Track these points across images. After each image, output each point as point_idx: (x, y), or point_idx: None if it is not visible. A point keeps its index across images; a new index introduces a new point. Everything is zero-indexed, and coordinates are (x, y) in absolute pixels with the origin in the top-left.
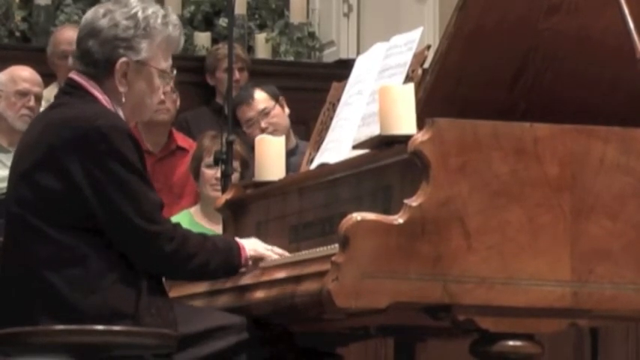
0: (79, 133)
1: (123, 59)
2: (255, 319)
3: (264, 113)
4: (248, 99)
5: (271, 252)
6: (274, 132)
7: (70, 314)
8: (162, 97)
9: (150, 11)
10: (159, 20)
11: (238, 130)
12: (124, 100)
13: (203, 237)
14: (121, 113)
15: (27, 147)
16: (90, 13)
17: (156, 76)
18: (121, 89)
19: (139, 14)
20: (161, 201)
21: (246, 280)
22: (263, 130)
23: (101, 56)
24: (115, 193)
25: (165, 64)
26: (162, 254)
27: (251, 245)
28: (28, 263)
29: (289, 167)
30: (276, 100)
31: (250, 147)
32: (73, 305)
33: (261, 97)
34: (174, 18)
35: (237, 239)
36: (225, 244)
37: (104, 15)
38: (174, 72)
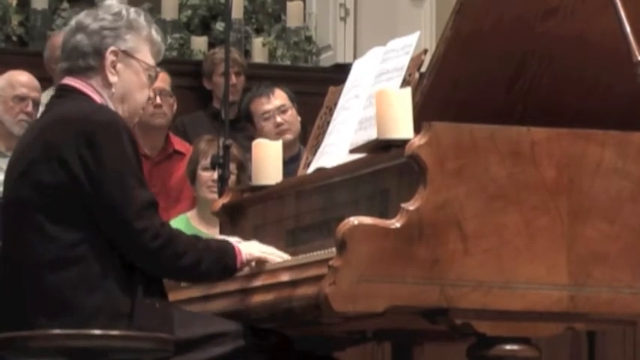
0: (75, 127)
1: (111, 47)
2: (252, 325)
3: (282, 110)
4: (268, 93)
5: (268, 254)
6: (287, 130)
7: (68, 314)
8: (159, 101)
9: (132, 9)
10: (142, 17)
11: (234, 135)
12: (114, 90)
13: (195, 237)
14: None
15: (23, 149)
16: (74, 19)
17: (143, 71)
18: (112, 79)
19: (123, 11)
20: (153, 199)
21: (242, 284)
22: (278, 125)
23: (90, 48)
24: (108, 186)
25: (151, 60)
26: (146, 250)
27: (247, 249)
28: (28, 263)
29: (293, 173)
30: (293, 103)
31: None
32: (71, 305)
33: (280, 95)
34: (155, 25)
35: (234, 242)
36: (219, 245)
37: (88, 15)
38: (158, 70)
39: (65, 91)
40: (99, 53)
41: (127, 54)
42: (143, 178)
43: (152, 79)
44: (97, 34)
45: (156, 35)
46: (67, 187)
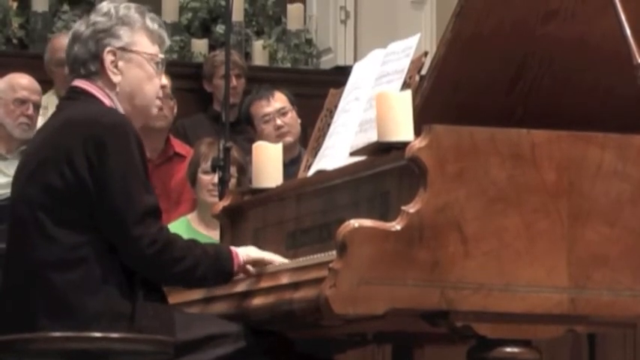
0: (84, 130)
1: (107, 48)
2: (253, 327)
3: (282, 113)
4: (268, 96)
5: (265, 255)
6: (287, 133)
7: (69, 315)
8: (160, 99)
9: (122, 6)
10: (132, 10)
11: (235, 137)
12: (118, 90)
13: (193, 242)
14: (122, 111)
15: (32, 151)
16: (71, 31)
17: (146, 61)
18: (115, 80)
19: (112, 10)
20: (156, 205)
21: (243, 286)
22: (278, 128)
23: (88, 54)
24: (112, 188)
25: (152, 49)
26: (142, 256)
27: (244, 252)
28: (31, 264)
29: (293, 175)
30: (293, 106)
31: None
32: (73, 306)
33: (280, 97)
34: (151, 14)
35: (232, 247)
36: (215, 250)
37: (81, 23)
38: (163, 57)
39: (75, 93)
40: (96, 57)
41: (125, 49)
42: (148, 183)
43: (160, 66)
44: (91, 40)
45: (152, 23)
46: (74, 189)
